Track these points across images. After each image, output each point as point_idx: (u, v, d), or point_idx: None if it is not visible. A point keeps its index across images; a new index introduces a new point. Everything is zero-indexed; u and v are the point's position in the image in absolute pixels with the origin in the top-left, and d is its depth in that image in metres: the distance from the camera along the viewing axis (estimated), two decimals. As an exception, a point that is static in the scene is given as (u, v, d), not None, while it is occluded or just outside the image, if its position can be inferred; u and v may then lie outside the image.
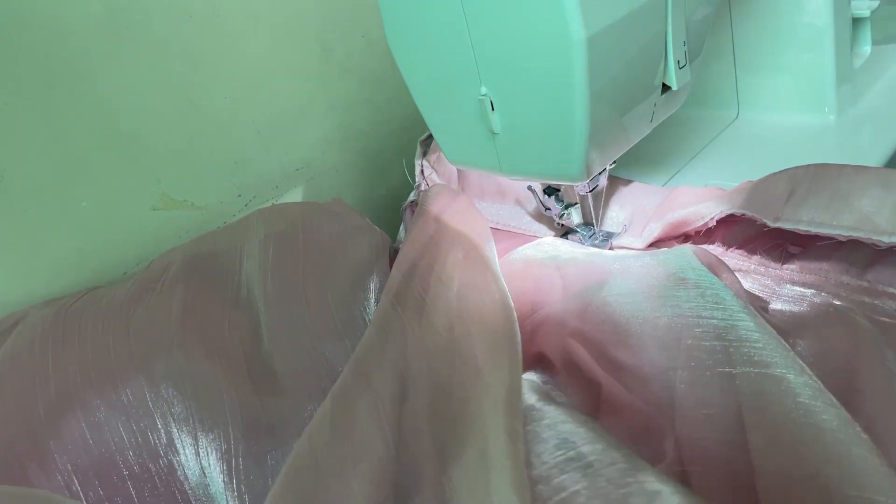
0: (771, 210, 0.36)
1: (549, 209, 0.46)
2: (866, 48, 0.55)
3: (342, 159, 0.59)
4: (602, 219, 0.47)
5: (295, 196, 0.56)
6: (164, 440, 0.32)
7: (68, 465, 0.31)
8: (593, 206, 0.45)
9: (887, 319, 0.33)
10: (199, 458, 0.32)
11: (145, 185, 0.47)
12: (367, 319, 0.40)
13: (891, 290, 0.34)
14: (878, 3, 0.53)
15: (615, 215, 0.47)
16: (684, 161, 0.53)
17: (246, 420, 0.33)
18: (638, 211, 0.46)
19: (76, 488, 0.30)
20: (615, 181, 0.49)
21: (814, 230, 0.35)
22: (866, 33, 0.54)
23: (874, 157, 0.47)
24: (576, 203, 0.45)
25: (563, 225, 0.47)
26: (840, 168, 0.37)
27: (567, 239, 0.46)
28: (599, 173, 0.43)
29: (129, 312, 0.37)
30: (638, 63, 0.35)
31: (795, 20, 0.51)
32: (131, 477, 0.31)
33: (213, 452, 0.32)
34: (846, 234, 0.34)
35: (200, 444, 0.32)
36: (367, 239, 0.44)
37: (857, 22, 0.53)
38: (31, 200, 0.42)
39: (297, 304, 0.39)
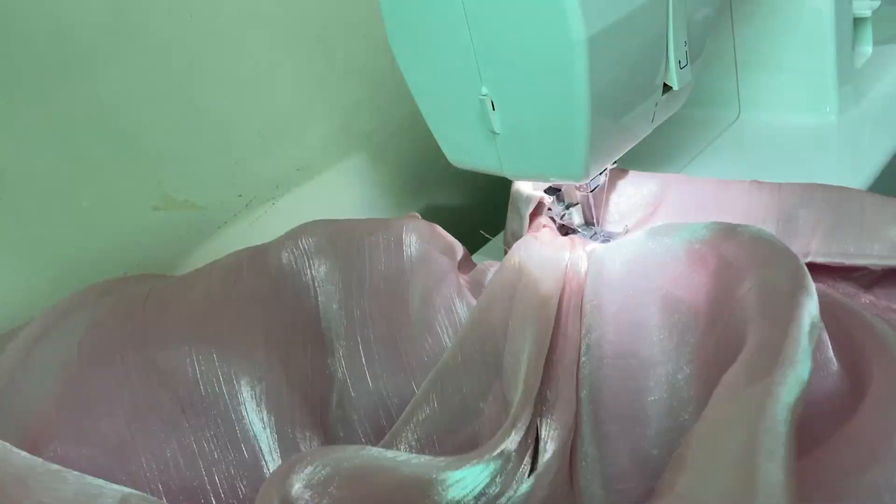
0: (799, 243, 0.37)
1: (549, 209, 0.46)
2: (867, 48, 0.55)
3: (343, 159, 0.59)
4: (603, 214, 0.47)
5: (296, 196, 0.56)
6: (251, 472, 0.32)
7: (159, 485, 0.31)
8: (594, 206, 0.45)
9: None
10: None
11: (146, 185, 0.47)
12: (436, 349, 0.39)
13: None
14: (879, 3, 0.53)
15: (613, 207, 0.47)
16: (685, 161, 0.53)
17: None
18: (637, 201, 0.46)
19: None
20: (612, 172, 0.49)
21: (848, 262, 0.36)
22: (868, 33, 0.54)
23: (875, 157, 0.47)
24: (577, 203, 0.45)
25: (563, 225, 0.47)
26: (861, 197, 0.38)
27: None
28: (600, 173, 0.43)
29: (211, 329, 0.36)
30: (639, 63, 0.35)
31: (797, 20, 0.51)
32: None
33: None
34: (880, 263, 0.35)
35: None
36: (436, 260, 0.42)
37: (858, 22, 0.53)
38: (32, 200, 0.42)
39: (364, 347, 0.38)
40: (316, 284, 0.40)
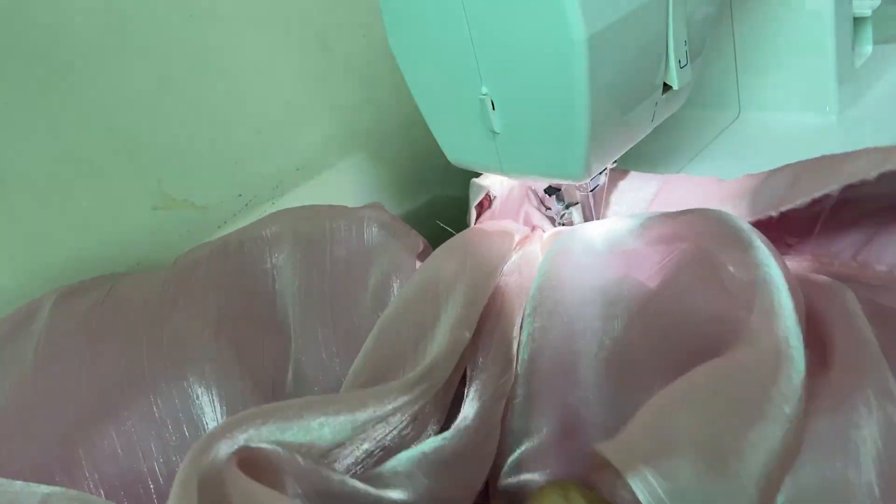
0: (776, 203, 0.37)
1: (549, 209, 0.46)
2: (868, 48, 0.55)
3: (343, 159, 0.59)
4: (603, 213, 0.47)
5: (295, 196, 0.56)
6: None
7: (96, 475, 0.30)
8: (594, 206, 0.45)
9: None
10: None
11: (145, 185, 0.47)
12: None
13: (881, 267, 0.35)
14: (879, 2, 0.53)
15: (613, 207, 0.47)
16: (685, 161, 0.53)
17: None
18: (636, 201, 0.46)
19: (102, 497, 0.30)
20: (612, 173, 0.49)
21: (808, 198, 0.35)
22: (868, 33, 0.54)
23: (875, 157, 0.46)
24: (576, 203, 0.45)
25: (563, 224, 0.47)
26: (844, 154, 0.37)
27: None
28: (600, 173, 0.43)
29: (164, 317, 0.36)
30: (639, 62, 0.35)
31: (796, 19, 0.51)
32: (157, 492, 0.31)
33: None
34: (839, 186, 0.34)
35: None
36: (396, 248, 0.42)
37: (858, 21, 0.53)
38: (31, 200, 0.42)
39: (322, 328, 0.38)
40: (275, 272, 0.40)
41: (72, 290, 0.39)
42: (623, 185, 0.47)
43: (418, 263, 0.42)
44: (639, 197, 0.46)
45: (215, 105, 0.50)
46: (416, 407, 0.28)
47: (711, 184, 0.43)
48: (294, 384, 0.37)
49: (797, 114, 0.54)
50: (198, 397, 0.33)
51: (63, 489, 0.27)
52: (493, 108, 0.37)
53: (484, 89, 0.37)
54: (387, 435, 0.28)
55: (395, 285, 0.41)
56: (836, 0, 0.49)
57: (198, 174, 0.50)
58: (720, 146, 0.55)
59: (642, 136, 0.41)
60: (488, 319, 0.35)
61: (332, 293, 0.40)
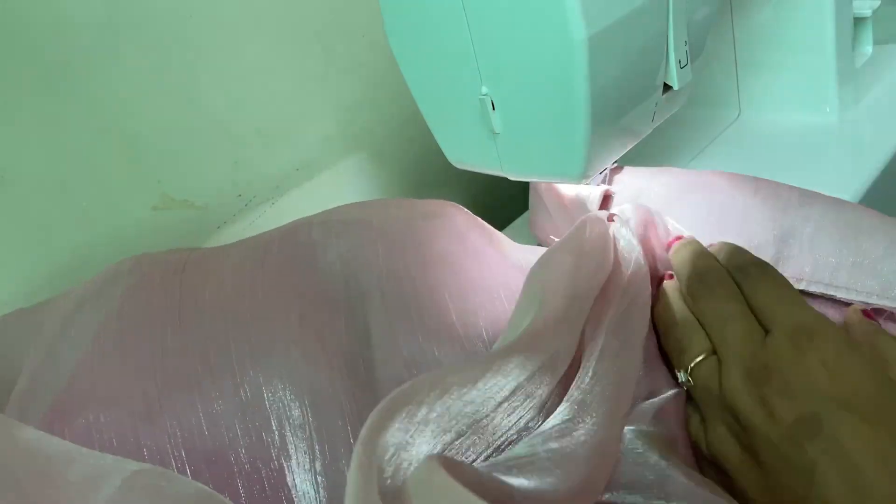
0: (792, 268, 0.36)
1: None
2: (868, 48, 0.55)
3: (342, 159, 0.59)
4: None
5: (295, 196, 0.56)
6: (277, 443, 0.31)
7: (182, 453, 0.30)
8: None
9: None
10: (314, 467, 0.30)
11: (145, 185, 0.47)
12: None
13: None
14: (879, 2, 0.53)
15: (613, 205, 0.47)
16: (685, 161, 0.53)
17: None
18: (633, 195, 0.45)
19: (187, 476, 0.30)
20: (613, 172, 0.48)
21: (838, 296, 0.34)
22: (868, 33, 0.54)
23: (875, 157, 0.47)
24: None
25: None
26: (859, 217, 0.36)
27: None
28: (600, 173, 0.43)
29: (243, 295, 0.35)
30: (639, 62, 0.35)
31: (797, 20, 0.51)
32: (241, 474, 0.30)
33: (329, 463, 0.30)
34: (869, 302, 0.33)
35: (316, 453, 0.31)
36: (479, 239, 0.41)
37: (858, 21, 0.53)
38: (31, 200, 0.42)
39: (405, 321, 0.37)
40: (343, 259, 0.39)
41: (150, 258, 0.39)
42: (617, 178, 0.47)
43: (495, 255, 0.41)
44: (627, 190, 0.45)
45: (215, 105, 0.50)
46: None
47: (704, 175, 0.42)
48: (375, 375, 0.35)
49: (797, 114, 0.54)
50: (284, 383, 0.32)
51: (151, 466, 0.27)
52: (494, 109, 0.37)
53: (484, 89, 0.37)
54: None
55: (477, 278, 0.39)
56: (837, 0, 0.49)
57: (197, 174, 0.50)
58: (720, 146, 0.55)
59: (642, 136, 0.40)
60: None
61: (415, 285, 0.38)
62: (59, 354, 0.33)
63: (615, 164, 0.44)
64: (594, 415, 0.27)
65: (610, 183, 0.46)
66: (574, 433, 0.26)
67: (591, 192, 0.43)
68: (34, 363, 0.33)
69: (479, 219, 0.43)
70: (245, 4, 0.49)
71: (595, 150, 0.36)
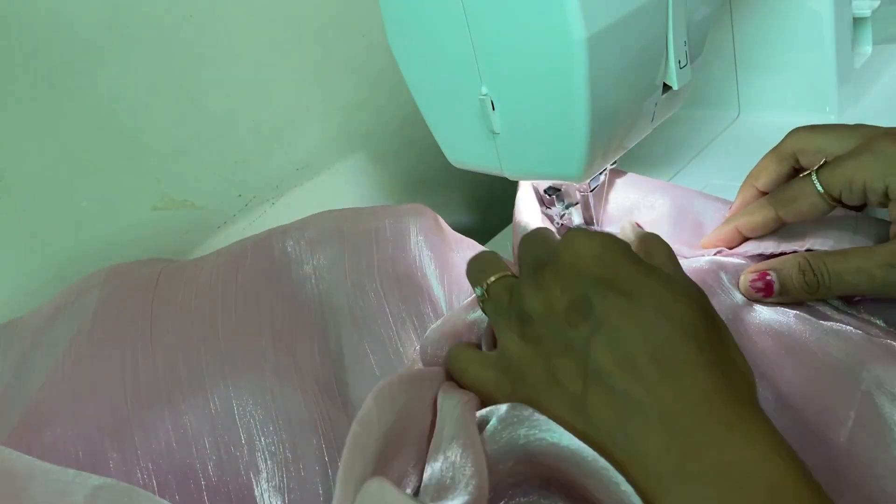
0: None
1: (549, 208, 0.46)
2: (867, 48, 0.55)
3: (342, 159, 0.59)
4: (602, 213, 0.47)
5: (295, 196, 0.56)
6: (246, 458, 0.31)
7: (150, 465, 0.30)
8: (594, 206, 0.45)
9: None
10: (285, 485, 0.30)
11: (145, 185, 0.47)
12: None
13: (877, 320, 0.35)
14: (879, 2, 0.53)
15: (612, 206, 0.47)
16: (685, 161, 0.54)
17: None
18: (637, 204, 0.46)
19: (154, 490, 0.29)
20: (612, 172, 0.48)
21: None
22: (867, 33, 0.54)
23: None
24: (577, 203, 0.45)
25: (563, 225, 0.47)
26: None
27: None
28: (600, 173, 0.43)
29: (215, 311, 0.35)
30: (639, 63, 0.35)
31: (796, 20, 0.51)
32: (208, 489, 0.30)
33: (299, 482, 0.30)
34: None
35: (289, 471, 0.30)
36: (440, 247, 0.42)
37: (858, 22, 0.53)
38: (31, 200, 0.42)
39: (381, 335, 0.38)
40: (317, 274, 0.39)
41: (123, 269, 0.39)
42: (621, 183, 0.47)
43: (458, 257, 0.42)
44: (629, 200, 0.46)
45: (215, 105, 0.50)
46: None
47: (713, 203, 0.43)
48: (348, 397, 0.36)
49: (797, 114, 0.54)
50: (256, 400, 0.32)
51: (114, 481, 0.27)
52: (493, 109, 0.37)
53: (484, 89, 0.37)
54: None
55: (443, 284, 0.40)
56: (836, 0, 0.49)
57: (197, 174, 0.50)
58: (720, 146, 0.55)
59: (642, 136, 0.41)
60: None
61: (383, 302, 0.39)
62: (30, 369, 0.33)
63: (614, 165, 0.44)
64: None
65: (609, 184, 0.46)
66: None
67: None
68: (4, 378, 0.33)
69: (445, 224, 0.44)
70: (245, 5, 0.49)
71: (594, 151, 0.36)
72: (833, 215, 0.36)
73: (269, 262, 0.39)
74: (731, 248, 0.40)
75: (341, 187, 0.60)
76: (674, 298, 0.27)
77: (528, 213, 0.46)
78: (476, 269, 0.35)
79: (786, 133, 0.39)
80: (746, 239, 0.39)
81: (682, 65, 0.37)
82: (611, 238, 0.29)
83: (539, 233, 0.34)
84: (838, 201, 0.35)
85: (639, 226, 0.39)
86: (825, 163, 0.35)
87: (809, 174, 0.35)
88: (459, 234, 0.44)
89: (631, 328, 0.26)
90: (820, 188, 0.34)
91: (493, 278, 0.33)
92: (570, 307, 0.27)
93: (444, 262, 0.41)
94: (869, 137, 0.34)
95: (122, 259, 0.46)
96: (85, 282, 0.38)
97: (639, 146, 0.41)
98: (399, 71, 0.41)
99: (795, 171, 0.38)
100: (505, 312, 0.31)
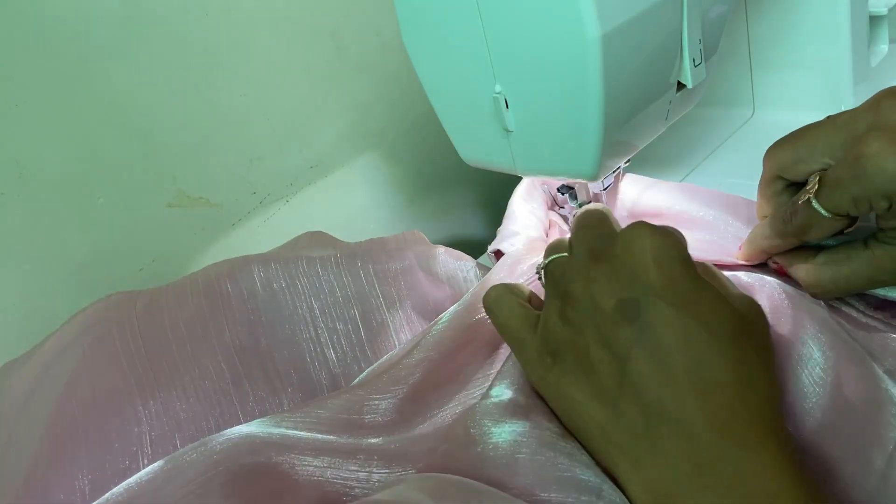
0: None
1: (562, 207, 0.46)
2: (884, 46, 0.54)
3: (356, 157, 0.59)
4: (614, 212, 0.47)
5: (309, 193, 0.56)
6: None
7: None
8: (607, 205, 0.45)
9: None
10: None
11: (161, 182, 0.48)
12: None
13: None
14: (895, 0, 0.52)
15: (620, 205, 0.47)
16: (699, 160, 0.53)
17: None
18: (653, 209, 0.46)
19: None
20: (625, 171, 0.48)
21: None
22: (884, 31, 0.54)
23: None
24: (590, 201, 0.45)
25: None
26: None
27: None
28: (613, 172, 0.43)
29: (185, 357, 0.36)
30: (653, 61, 0.35)
31: (812, 18, 0.51)
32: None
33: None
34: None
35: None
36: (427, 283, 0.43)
37: (874, 20, 0.53)
38: (48, 197, 0.43)
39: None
40: (309, 314, 0.39)
41: (105, 318, 0.37)
42: (636, 185, 0.47)
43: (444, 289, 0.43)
44: (643, 198, 0.46)
45: (230, 103, 0.50)
46: None
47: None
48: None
49: (812, 113, 0.53)
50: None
51: None
52: (507, 107, 0.37)
53: (497, 87, 0.37)
54: None
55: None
56: (853, -2, 0.49)
57: (212, 172, 0.50)
58: (734, 145, 0.54)
59: (656, 134, 0.40)
60: None
61: (347, 327, 0.39)
62: (16, 441, 0.33)
63: (628, 163, 0.44)
64: None
65: (620, 182, 0.46)
66: None
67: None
68: None
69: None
70: (260, 4, 0.50)
71: (608, 149, 0.36)
72: None
73: (254, 298, 0.38)
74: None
75: (354, 185, 0.60)
76: (721, 317, 0.27)
77: (522, 211, 0.47)
78: (577, 228, 0.35)
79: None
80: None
81: (696, 63, 0.37)
82: (672, 240, 0.29)
83: (596, 214, 0.35)
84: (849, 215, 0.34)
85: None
86: (820, 182, 0.33)
87: (809, 200, 0.33)
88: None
89: (673, 340, 0.27)
90: (826, 213, 0.33)
91: (554, 256, 0.34)
92: (619, 307, 0.28)
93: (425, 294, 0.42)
94: (854, 139, 0.32)
95: (137, 255, 0.47)
96: (67, 337, 0.37)
97: (652, 145, 0.41)
98: (413, 69, 0.41)
99: (791, 183, 0.37)
100: (557, 287, 0.32)
